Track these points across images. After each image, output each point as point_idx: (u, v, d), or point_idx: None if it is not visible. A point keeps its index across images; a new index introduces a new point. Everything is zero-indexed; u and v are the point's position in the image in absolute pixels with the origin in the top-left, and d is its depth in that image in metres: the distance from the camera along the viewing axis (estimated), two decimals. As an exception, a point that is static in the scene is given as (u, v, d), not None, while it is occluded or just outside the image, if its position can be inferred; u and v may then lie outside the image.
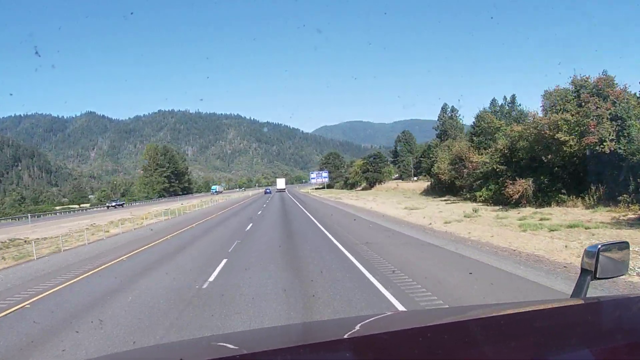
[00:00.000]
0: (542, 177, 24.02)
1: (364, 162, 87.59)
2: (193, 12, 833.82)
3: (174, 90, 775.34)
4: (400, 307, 6.72)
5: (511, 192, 24.42)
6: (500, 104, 57.48)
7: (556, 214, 19.83)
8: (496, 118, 38.29)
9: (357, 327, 1.51)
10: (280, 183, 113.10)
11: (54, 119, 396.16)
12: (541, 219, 17.95)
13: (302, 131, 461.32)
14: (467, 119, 74.98)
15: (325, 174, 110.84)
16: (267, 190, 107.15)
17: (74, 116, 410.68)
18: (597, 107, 21.55)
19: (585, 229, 14.35)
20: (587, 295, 1.62)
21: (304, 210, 34.35)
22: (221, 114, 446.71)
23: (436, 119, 76.52)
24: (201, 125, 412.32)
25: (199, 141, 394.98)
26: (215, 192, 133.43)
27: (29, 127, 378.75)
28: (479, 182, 30.83)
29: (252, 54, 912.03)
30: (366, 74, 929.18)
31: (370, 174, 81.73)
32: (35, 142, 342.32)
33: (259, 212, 34.10)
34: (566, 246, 11.39)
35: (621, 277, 2.16)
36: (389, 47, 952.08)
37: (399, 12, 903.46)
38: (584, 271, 1.61)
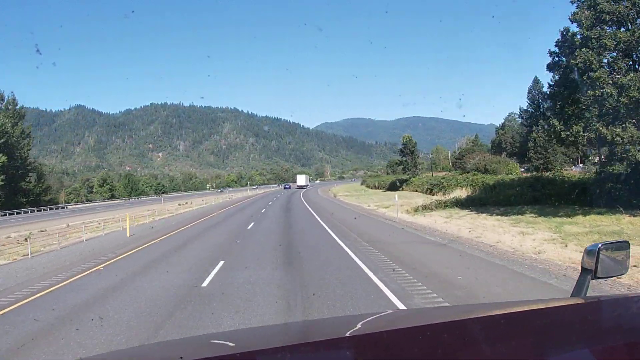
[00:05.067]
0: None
1: None
2: (193, 10, 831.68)
3: (171, 86, 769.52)
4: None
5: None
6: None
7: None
8: None
9: (358, 326, 1.57)
10: (301, 180, 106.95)
11: (41, 112, 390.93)
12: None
13: (302, 126, 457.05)
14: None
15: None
16: (287, 186, 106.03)
17: (62, 110, 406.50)
18: None
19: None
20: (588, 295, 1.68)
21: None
22: (216, 107, 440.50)
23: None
24: (195, 119, 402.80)
25: (191, 135, 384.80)
26: None
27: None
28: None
29: (253, 53, 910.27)
30: (367, 73, 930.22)
31: None
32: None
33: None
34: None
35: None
36: (390, 46, 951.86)
37: (400, 11, 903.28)
38: (584, 270, 1.67)
